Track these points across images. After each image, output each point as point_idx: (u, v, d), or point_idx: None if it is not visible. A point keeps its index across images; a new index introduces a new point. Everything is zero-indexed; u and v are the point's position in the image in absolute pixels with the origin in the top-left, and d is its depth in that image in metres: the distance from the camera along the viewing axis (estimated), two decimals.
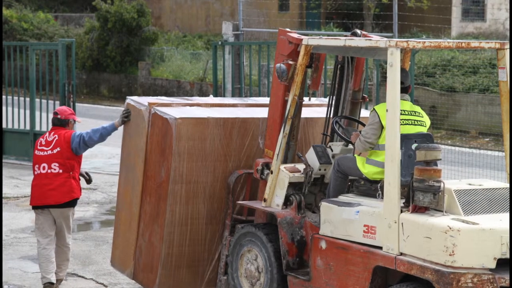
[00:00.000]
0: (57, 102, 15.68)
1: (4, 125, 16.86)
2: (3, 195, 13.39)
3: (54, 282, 8.43)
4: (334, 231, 6.97)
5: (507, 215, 6.43)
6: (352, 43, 7.09)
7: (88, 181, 8.81)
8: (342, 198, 7.12)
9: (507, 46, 6.93)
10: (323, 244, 7.03)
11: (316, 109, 8.52)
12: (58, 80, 15.75)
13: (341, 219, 6.90)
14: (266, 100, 8.58)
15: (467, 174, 13.62)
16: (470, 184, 6.64)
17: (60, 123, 8.59)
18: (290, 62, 7.43)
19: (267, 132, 7.79)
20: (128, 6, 29.94)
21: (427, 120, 7.18)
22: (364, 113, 8.23)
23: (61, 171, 8.36)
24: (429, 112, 18.14)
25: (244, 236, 7.68)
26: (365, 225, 6.73)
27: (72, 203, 8.47)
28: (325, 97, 11.78)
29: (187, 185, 7.84)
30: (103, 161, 16.72)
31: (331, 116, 7.95)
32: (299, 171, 7.46)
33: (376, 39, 7.00)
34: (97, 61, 30.72)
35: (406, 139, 6.77)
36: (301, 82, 7.39)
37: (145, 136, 8.04)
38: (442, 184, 6.35)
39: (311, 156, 7.54)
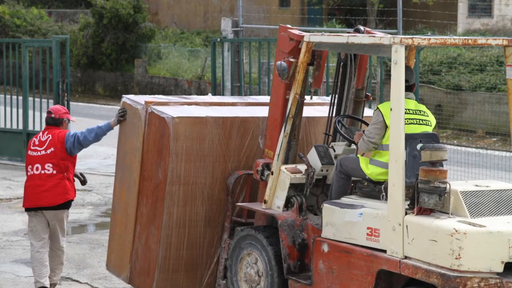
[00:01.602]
0: (51, 101, 15.66)
1: None
2: None
3: (48, 286, 8.40)
4: (336, 233, 6.94)
5: None
6: (355, 40, 7.05)
7: (83, 182, 8.76)
8: (344, 199, 7.10)
9: None
10: (325, 247, 6.99)
11: (318, 108, 8.52)
12: (52, 78, 15.66)
13: (343, 221, 6.87)
14: (266, 98, 8.57)
15: (474, 175, 13.70)
16: (476, 186, 6.62)
17: (54, 122, 8.53)
18: (291, 60, 7.38)
19: (267, 131, 7.75)
20: (124, 2, 29.90)
21: (432, 120, 7.16)
22: (368, 112, 8.24)
23: (55, 172, 8.29)
24: (435, 111, 18.17)
25: (243, 239, 7.64)
26: (368, 228, 6.70)
27: (66, 205, 8.42)
28: (327, 95, 11.70)
29: (185, 186, 7.80)
30: (98, 162, 16.70)
31: (334, 115, 7.95)
32: (301, 172, 7.43)
33: (380, 36, 6.99)
34: (92, 59, 30.69)
35: (410, 139, 6.75)
36: (302, 80, 7.36)
37: (141, 136, 8.00)
38: (448, 186, 6.35)
39: (313, 156, 7.50)
